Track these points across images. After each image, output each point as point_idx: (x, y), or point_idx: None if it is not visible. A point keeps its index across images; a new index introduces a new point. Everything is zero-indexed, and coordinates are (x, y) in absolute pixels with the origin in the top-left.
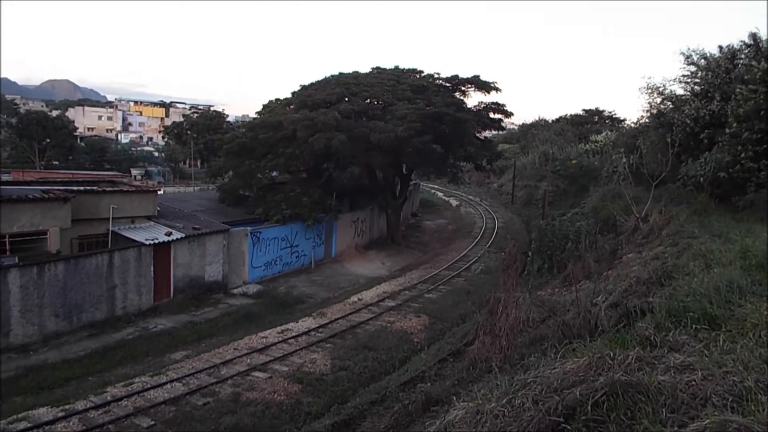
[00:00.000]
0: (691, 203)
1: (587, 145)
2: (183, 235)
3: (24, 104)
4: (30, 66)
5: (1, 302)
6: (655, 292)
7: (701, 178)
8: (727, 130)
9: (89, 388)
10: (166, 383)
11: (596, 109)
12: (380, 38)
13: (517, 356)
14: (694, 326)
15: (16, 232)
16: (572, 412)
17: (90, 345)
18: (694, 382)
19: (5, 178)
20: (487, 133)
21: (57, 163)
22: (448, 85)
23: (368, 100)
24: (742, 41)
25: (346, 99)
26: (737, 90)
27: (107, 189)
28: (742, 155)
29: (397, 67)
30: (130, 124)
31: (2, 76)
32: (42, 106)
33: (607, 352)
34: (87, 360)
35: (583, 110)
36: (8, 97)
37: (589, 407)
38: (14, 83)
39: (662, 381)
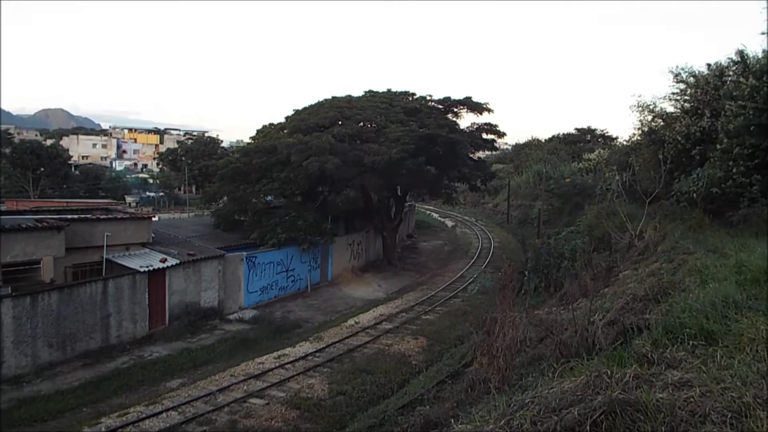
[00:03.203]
0: (685, 219)
1: (580, 164)
2: (178, 262)
3: (18, 134)
4: (24, 96)
5: None
6: (652, 309)
7: (694, 194)
8: (718, 146)
9: (83, 420)
10: (161, 412)
11: (588, 127)
12: (373, 61)
13: (516, 376)
14: (691, 342)
15: (9, 261)
16: None
17: (84, 375)
18: (692, 399)
19: None
20: (481, 154)
21: (51, 191)
22: (440, 106)
23: (361, 124)
24: (729, 58)
25: (340, 122)
26: (726, 106)
27: (101, 217)
28: (734, 171)
29: (389, 90)
30: (124, 151)
31: None
32: (36, 135)
33: (605, 370)
34: (81, 390)
35: (576, 129)
36: (2, 126)
37: (587, 427)
38: (8, 113)
39: (660, 398)
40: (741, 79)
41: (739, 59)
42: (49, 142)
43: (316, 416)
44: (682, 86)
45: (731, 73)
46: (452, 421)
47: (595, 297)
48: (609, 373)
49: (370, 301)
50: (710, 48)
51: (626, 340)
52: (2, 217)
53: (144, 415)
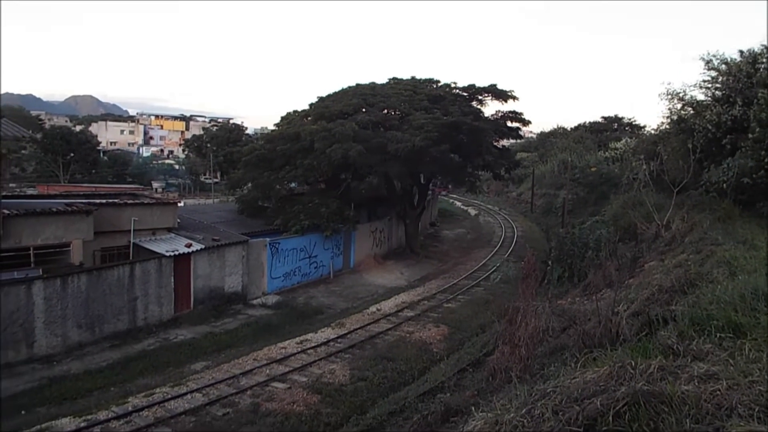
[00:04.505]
0: (714, 210)
1: (607, 153)
2: (203, 247)
3: (49, 120)
4: (54, 82)
5: (26, 313)
6: (678, 300)
7: (724, 184)
8: (750, 135)
9: (111, 399)
10: (186, 393)
11: (615, 116)
12: (398, 49)
13: (537, 366)
14: (718, 335)
15: (40, 244)
16: (593, 423)
17: (112, 356)
18: (718, 392)
19: (30, 191)
20: (505, 142)
21: (81, 176)
22: (465, 94)
23: (385, 111)
24: (763, 45)
25: (363, 110)
26: (759, 94)
27: (128, 202)
28: (766, 160)
29: (413, 78)
30: (151, 137)
31: (28, 92)
32: (66, 121)
33: (629, 361)
34: (109, 370)
35: (602, 117)
36: (33, 112)
37: (610, 418)
38: (39, 99)
39: (686, 391)
40: None
41: None
42: (78, 128)
43: (337, 401)
44: (714, 74)
45: (765, 60)
46: (473, 409)
47: (620, 287)
48: (633, 364)
49: (392, 288)
50: (740, 37)
51: (651, 331)
52: (34, 200)
53: (169, 396)
